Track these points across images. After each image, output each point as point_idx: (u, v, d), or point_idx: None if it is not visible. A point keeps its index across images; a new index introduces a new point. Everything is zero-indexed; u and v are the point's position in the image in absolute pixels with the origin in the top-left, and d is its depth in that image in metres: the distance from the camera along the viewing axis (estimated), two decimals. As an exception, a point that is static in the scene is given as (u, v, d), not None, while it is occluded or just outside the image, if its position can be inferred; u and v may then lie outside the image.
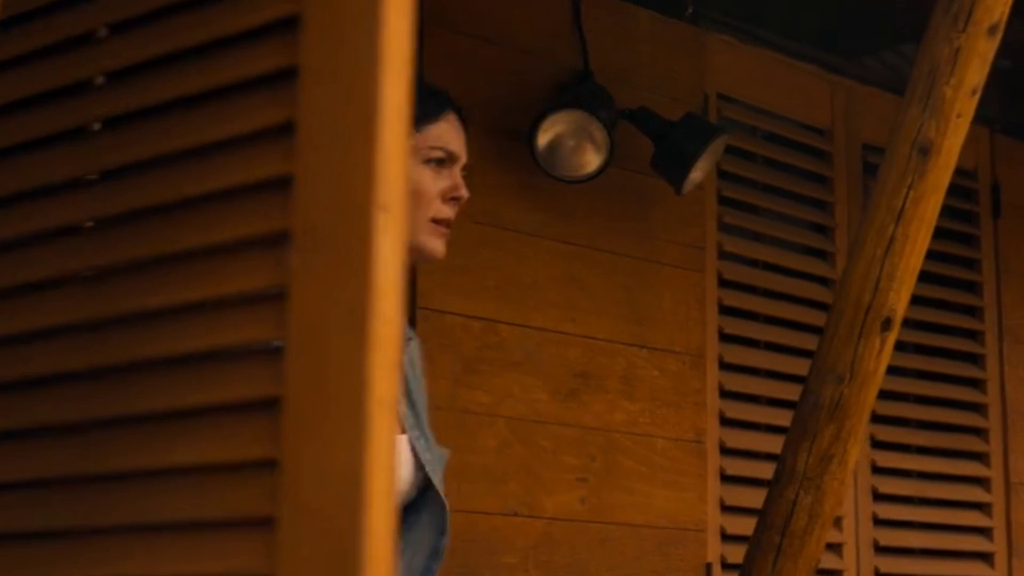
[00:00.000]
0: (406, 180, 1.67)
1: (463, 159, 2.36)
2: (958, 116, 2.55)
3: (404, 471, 2.27)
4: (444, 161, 2.32)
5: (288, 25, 1.71)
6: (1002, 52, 4.72)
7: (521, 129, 3.48)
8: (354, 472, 1.52)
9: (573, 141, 3.47)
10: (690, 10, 3.99)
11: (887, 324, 2.59)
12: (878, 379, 2.63)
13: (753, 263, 4.07)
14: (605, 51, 3.74)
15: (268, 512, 1.58)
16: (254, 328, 1.66)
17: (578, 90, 3.55)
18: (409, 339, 2.40)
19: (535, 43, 3.64)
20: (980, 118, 4.63)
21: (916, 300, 4.37)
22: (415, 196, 2.32)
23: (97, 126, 1.93)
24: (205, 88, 1.80)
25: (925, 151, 2.53)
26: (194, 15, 1.81)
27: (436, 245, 2.32)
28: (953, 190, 4.52)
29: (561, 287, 3.64)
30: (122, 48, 1.93)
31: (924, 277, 4.36)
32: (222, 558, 1.64)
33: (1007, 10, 2.56)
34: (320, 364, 1.59)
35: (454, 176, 2.33)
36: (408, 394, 2.34)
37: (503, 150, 3.50)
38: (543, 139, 3.45)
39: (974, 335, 4.57)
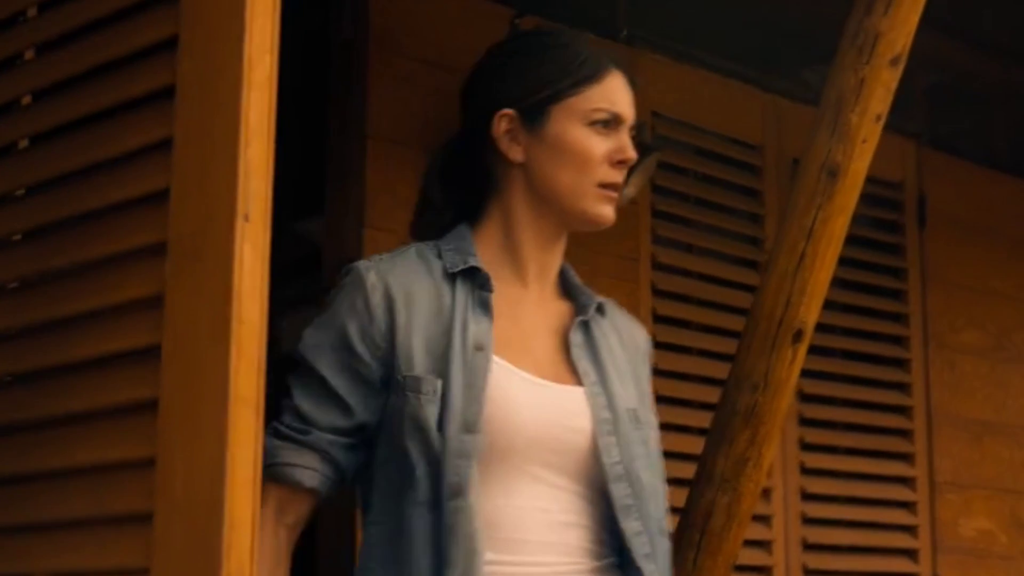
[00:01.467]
0: (269, 191, 1.79)
1: (630, 120, 2.28)
2: (863, 141, 2.73)
3: (581, 421, 2.18)
4: (609, 123, 2.24)
5: (168, 46, 1.86)
6: (929, 67, 4.94)
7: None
8: (219, 467, 1.64)
9: (511, 160, 3.64)
10: (625, 32, 4.16)
11: (798, 336, 2.76)
12: (791, 387, 2.80)
13: (686, 274, 4.24)
14: (543, 72, 3.90)
15: (147, 508, 1.72)
16: (136, 335, 1.80)
17: (516, 110, 3.72)
18: (597, 304, 2.32)
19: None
20: (907, 131, 4.86)
21: (844, 308, 4.59)
22: (579, 161, 2.23)
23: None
24: (99, 109, 1.95)
25: (833, 174, 2.71)
26: (87, 41, 1.97)
27: (603, 210, 2.26)
28: (881, 201, 4.75)
29: (501, 298, 3.79)
30: (25, 77, 2.07)
31: (852, 286, 4.59)
32: (107, 554, 1.77)
33: (909, 42, 2.74)
34: (190, 366, 1.73)
35: (621, 138, 2.25)
36: (596, 351, 2.26)
37: (445, 168, 3.66)
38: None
39: (900, 340, 4.76)
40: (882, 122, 2.76)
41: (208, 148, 1.78)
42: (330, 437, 2.16)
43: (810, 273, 2.73)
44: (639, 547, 2.17)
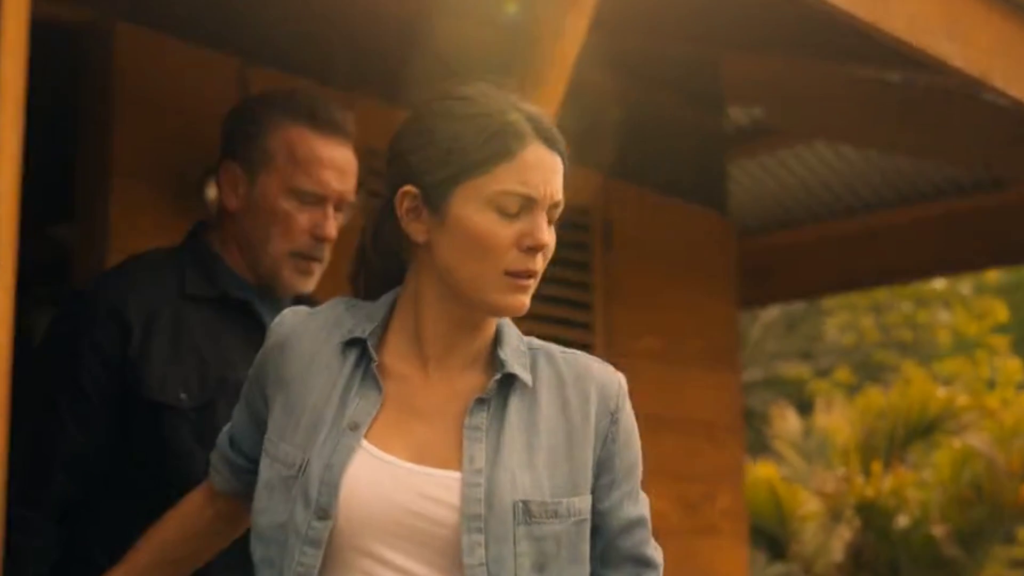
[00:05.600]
0: (14, 244, 2.04)
1: (548, 199, 2.03)
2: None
3: (443, 511, 1.97)
4: (519, 206, 2.01)
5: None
6: (614, 105, 5.62)
7: (195, 183, 4.16)
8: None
9: (237, 194, 4.17)
10: (341, 77, 4.71)
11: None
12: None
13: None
14: (268, 116, 4.41)
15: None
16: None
17: (243, 151, 4.25)
18: (504, 376, 2.06)
19: (210, 111, 4.29)
20: (595, 164, 5.52)
21: (537, 318, 5.20)
22: (482, 248, 2.00)
23: None
24: None
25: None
26: None
27: (512, 300, 2.02)
28: (572, 226, 5.38)
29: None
30: None
31: (546, 299, 5.21)
32: None
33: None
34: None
35: (532, 220, 2.01)
36: (501, 432, 2.03)
37: (181, 203, 4.15)
38: (212, 192, 4.14)
39: (586, 347, 5.35)
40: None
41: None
42: (235, 458, 2.23)
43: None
44: None
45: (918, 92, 5.74)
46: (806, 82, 5.97)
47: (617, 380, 2.15)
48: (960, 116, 5.67)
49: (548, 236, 2.03)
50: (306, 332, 2.10)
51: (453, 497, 1.97)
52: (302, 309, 2.17)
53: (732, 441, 5.89)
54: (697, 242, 5.93)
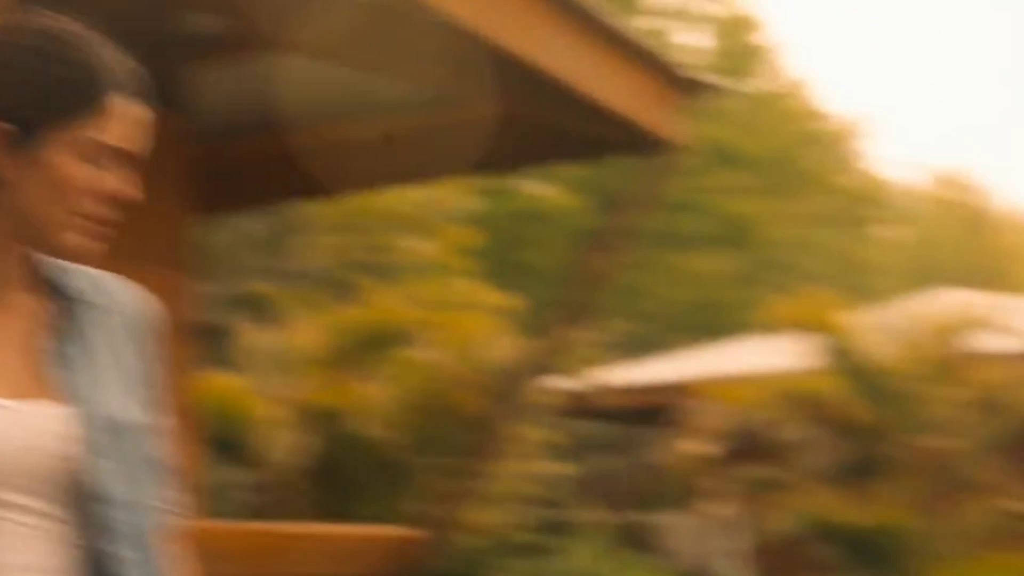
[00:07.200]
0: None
1: (131, 150, 2.02)
2: None
3: (52, 441, 1.94)
4: (101, 155, 1.98)
5: None
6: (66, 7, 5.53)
7: None
8: None
9: None
10: None
11: None
12: None
13: None
14: None
15: None
16: None
17: None
18: (63, 295, 2.06)
19: None
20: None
21: None
22: (58, 191, 1.97)
23: None
24: None
25: None
26: None
27: (77, 243, 2.01)
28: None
29: None
30: None
31: None
32: None
33: None
34: None
35: (110, 170, 1.99)
36: (70, 354, 2.02)
37: None
38: None
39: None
40: None
41: None
42: None
43: None
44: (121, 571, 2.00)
45: (368, 10, 5.94)
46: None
47: (150, 298, 2.17)
48: (409, 35, 5.91)
49: (126, 186, 2.01)
50: None
51: (61, 427, 1.95)
52: None
53: (182, 343, 5.96)
54: (149, 144, 5.93)
